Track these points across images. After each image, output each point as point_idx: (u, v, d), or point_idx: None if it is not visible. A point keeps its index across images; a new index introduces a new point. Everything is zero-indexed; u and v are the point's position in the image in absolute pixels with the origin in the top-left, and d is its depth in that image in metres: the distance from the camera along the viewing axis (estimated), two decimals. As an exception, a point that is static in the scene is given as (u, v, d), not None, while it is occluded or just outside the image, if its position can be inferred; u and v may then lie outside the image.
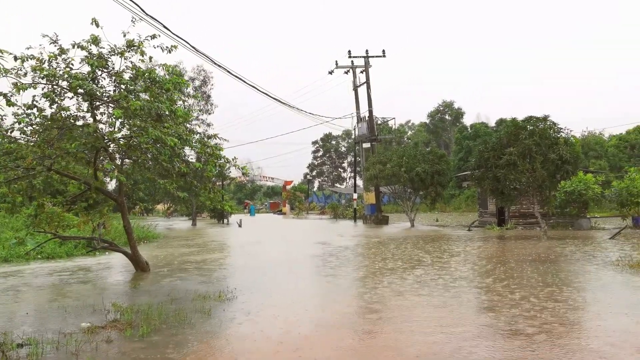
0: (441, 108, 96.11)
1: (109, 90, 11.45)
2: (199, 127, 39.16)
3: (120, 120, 10.89)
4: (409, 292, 9.35)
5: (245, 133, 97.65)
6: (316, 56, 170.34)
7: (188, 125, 14.19)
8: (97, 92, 10.85)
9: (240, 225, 36.69)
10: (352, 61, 40.26)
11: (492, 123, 67.12)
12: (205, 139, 13.47)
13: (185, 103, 39.05)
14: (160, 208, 73.18)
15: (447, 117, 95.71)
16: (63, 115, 11.18)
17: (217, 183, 50.76)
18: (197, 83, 40.26)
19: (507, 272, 11.56)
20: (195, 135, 13.32)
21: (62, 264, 14.76)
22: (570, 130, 21.45)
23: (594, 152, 55.50)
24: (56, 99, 10.63)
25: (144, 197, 13.47)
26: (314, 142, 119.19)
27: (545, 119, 21.22)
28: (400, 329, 6.72)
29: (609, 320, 6.94)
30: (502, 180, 20.94)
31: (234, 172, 78.31)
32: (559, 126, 21.22)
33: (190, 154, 14.23)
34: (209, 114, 40.70)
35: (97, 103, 11.40)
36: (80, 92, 10.65)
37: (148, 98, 11.62)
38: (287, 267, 13.71)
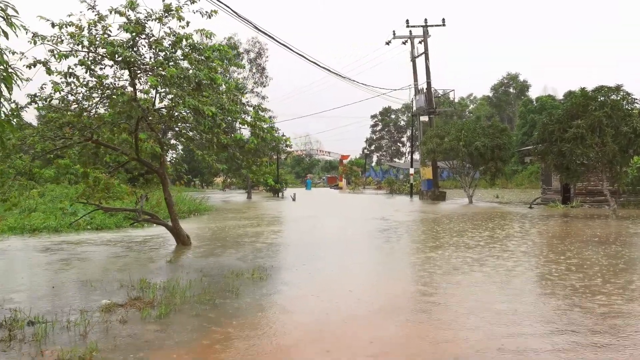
0: (505, 81, 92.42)
1: (148, 58, 11.06)
2: (251, 100, 39.04)
3: (157, 88, 10.47)
4: (462, 279, 8.58)
5: (302, 107, 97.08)
6: (373, 27, 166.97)
7: (240, 96, 13.56)
8: (135, 60, 10.43)
9: (294, 199, 36.42)
10: (410, 31, 38.78)
11: (560, 96, 63.67)
12: (248, 109, 12.84)
13: (239, 75, 38.93)
14: (219, 181, 74.26)
15: (511, 90, 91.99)
16: (103, 83, 10.90)
17: (273, 156, 50.90)
18: (252, 55, 39.93)
19: (574, 255, 10.54)
20: (239, 106, 12.71)
21: (108, 235, 14.75)
22: (647, 101, 19.67)
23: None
24: (92, 67, 10.29)
25: (187, 168, 13.23)
26: (373, 116, 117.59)
27: (618, 88, 19.55)
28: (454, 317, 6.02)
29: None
30: (568, 155, 19.48)
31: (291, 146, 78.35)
32: (633, 97, 19.51)
33: (244, 128, 13.73)
34: (264, 86, 40.48)
35: (136, 71, 11.03)
36: (117, 59, 10.25)
37: (188, 66, 11.22)
38: (331, 243, 13.12)
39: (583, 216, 19.89)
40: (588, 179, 24.57)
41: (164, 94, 11.16)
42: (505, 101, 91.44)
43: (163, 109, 11.56)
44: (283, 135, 48.15)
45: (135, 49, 11.11)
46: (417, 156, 46.63)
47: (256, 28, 22.63)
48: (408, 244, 13.10)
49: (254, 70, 40.08)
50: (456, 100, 63.85)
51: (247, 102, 35.80)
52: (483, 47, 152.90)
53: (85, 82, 10.91)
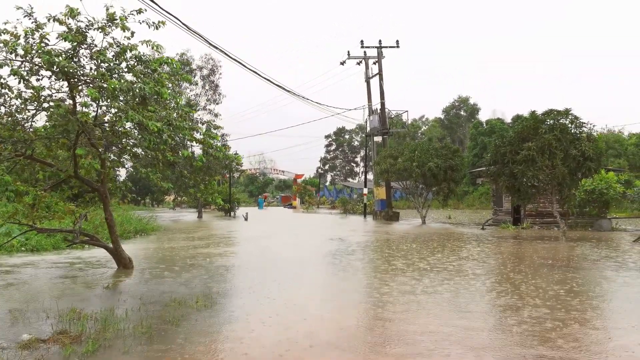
0: (457, 103, 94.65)
1: (91, 70, 10.39)
2: (204, 117, 38.31)
3: (98, 102, 9.81)
4: (415, 300, 8.21)
5: (256, 125, 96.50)
6: (327, 47, 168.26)
7: (190, 112, 12.90)
8: (74, 71, 9.74)
9: (246, 219, 35.71)
10: (364, 52, 38.98)
11: (508, 119, 65.39)
12: (200, 126, 12.23)
13: (191, 92, 38.16)
14: (169, 199, 72.64)
15: (462, 112, 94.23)
16: (39, 95, 10.16)
17: (226, 175, 49.98)
18: (205, 72, 39.20)
19: (527, 278, 10.35)
20: (188, 123, 12.04)
21: (45, 257, 13.80)
22: (593, 126, 20.08)
23: (613, 150, 53.68)
24: (27, 77, 9.56)
25: (130, 186, 12.40)
26: (327, 136, 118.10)
27: (567, 112, 19.89)
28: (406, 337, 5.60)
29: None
30: (519, 177, 19.62)
31: (244, 164, 76.97)
32: (581, 120, 19.87)
33: (195, 145, 13.08)
34: (217, 103, 39.77)
35: (76, 83, 10.33)
36: (54, 70, 9.56)
37: (134, 79, 10.62)
38: (282, 266, 12.59)
39: (534, 238, 20.03)
40: (538, 201, 24.85)
41: (105, 107, 10.51)
42: (456, 123, 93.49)
43: (105, 124, 10.90)
44: (236, 154, 47.46)
45: (76, 60, 10.46)
46: (370, 176, 46.72)
47: (209, 43, 22.07)
48: (361, 267, 12.70)
49: (207, 87, 39.32)
50: (409, 122, 64.58)
51: (200, 119, 34.88)
52: (435, 70, 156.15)
53: (19, 94, 10.18)
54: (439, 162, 28.79)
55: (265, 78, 30.43)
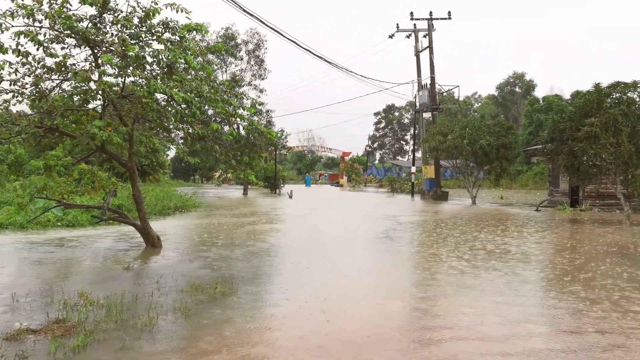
0: (511, 80, 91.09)
1: (112, 36, 9.76)
2: (249, 92, 37.76)
3: (122, 71, 9.16)
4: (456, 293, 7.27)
5: (304, 102, 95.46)
6: (376, 19, 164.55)
7: (223, 86, 12.13)
8: (94, 37, 9.12)
9: (290, 197, 35.15)
10: (414, 24, 37.39)
11: (566, 96, 62.21)
12: (231, 99, 11.40)
13: (236, 67, 37.60)
14: (216, 176, 73.00)
15: (517, 89, 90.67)
16: (65, 64, 9.61)
17: (272, 152, 49.55)
18: (250, 47, 38.48)
19: (591, 269, 9.22)
20: (220, 95, 11.22)
21: (78, 233, 13.51)
22: (665, 100, 18.26)
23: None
24: (46, 44, 8.99)
25: (150, 162, 11.92)
26: (376, 114, 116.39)
27: (635, 85, 18.14)
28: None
29: None
30: (580, 156, 18.12)
31: (292, 142, 76.55)
32: (651, 93, 18.13)
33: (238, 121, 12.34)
34: (262, 79, 39.01)
35: (99, 50, 9.72)
36: (75, 36, 8.96)
37: (161, 47, 9.95)
38: (319, 248, 11.81)
39: (595, 221, 18.53)
40: (599, 181, 23.14)
41: (132, 77, 9.88)
42: (510, 100, 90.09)
43: (132, 95, 10.28)
44: (281, 130, 46.92)
45: (100, 26, 9.87)
46: (419, 154, 45.30)
47: (253, 16, 21.25)
48: (407, 253, 11.79)
49: (252, 63, 38.62)
50: (461, 99, 62.30)
51: (245, 94, 34.32)
52: (489, 44, 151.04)
53: (42, 63, 9.65)
54: (491, 139, 27.29)
55: (313, 53, 29.51)
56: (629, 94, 18.15)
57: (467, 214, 21.44)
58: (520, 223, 17.61)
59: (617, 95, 18.23)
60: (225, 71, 38.36)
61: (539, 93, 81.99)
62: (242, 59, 38.36)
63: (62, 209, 14.04)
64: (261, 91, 38.91)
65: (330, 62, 32.47)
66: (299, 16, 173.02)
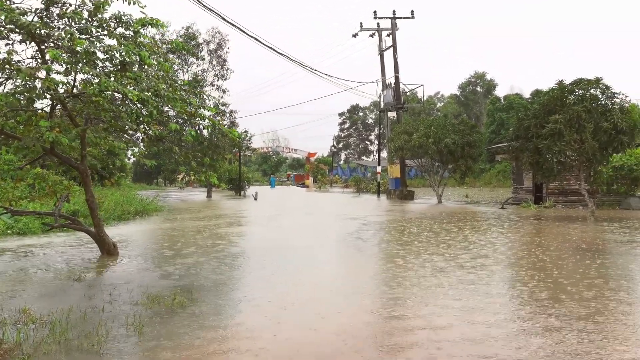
0: (473, 79, 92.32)
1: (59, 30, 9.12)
2: (211, 93, 36.99)
3: (68, 66, 8.53)
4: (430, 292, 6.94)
5: (266, 103, 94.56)
6: (339, 18, 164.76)
7: (184, 84, 11.56)
8: (38, 31, 8.47)
9: (255, 198, 34.56)
10: (378, 23, 37.31)
11: (526, 95, 63.22)
12: (190, 97, 10.83)
13: (198, 67, 36.83)
14: (180, 178, 71.70)
15: (478, 89, 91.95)
16: (10, 60, 8.92)
17: (237, 153, 48.76)
18: (212, 46, 37.71)
19: (558, 265, 9.03)
20: (179, 93, 10.63)
21: (28, 241, 12.72)
22: (626, 96, 18.46)
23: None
24: (-16, 38, 8.32)
25: (104, 165, 11.26)
26: (341, 114, 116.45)
27: (597, 81, 18.29)
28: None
29: None
30: (544, 153, 18.17)
31: (256, 143, 75.64)
32: (613, 91, 18.30)
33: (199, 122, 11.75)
34: (225, 79, 38.27)
35: (45, 46, 9.07)
36: (11, 28, 8.31)
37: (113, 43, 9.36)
38: (282, 251, 11.37)
39: (560, 218, 18.58)
40: (563, 178, 23.33)
41: (81, 74, 9.25)
42: (472, 100, 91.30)
43: (83, 94, 9.65)
44: (245, 131, 46.24)
45: (48, 20, 9.26)
46: (384, 154, 45.26)
47: (213, 12, 20.65)
48: (373, 255, 11.45)
49: (214, 63, 37.86)
50: (424, 98, 62.60)
51: (207, 95, 33.30)
52: (451, 44, 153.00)
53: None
54: (456, 138, 27.29)
55: (277, 51, 29.02)
56: (591, 91, 18.28)
57: (434, 213, 21.29)
58: (487, 221, 17.51)
59: (580, 92, 18.33)
60: (187, 71, 37.52)
61: (500, 92, 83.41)
62: (203, 58, 37.58)
63: (10, 215, 13.22)
64: (224, 91, 38.23)
65: (293, 60, 32.20)
66: (255, 12, 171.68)
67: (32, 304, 6.31)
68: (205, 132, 35.56)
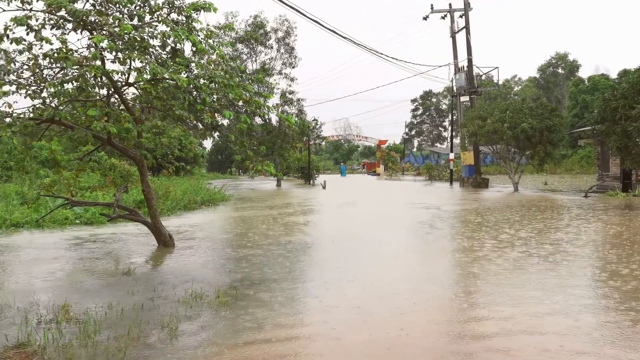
0: (553, 61, 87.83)
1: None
2: (280, 81, 36.86)
3: (115, 52, 8.30)
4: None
5: (335, 90, 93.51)
6: (409, 8, 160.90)
7: (237, 67, 11.20)
8: (86, 17, 8.27)
9: (324, 187, 34.20)
10: (449, 4, 35.77)
11: (613, 75, 59.13)
12: (247, 83, 10.41)
13: (266, 56, 36.73)
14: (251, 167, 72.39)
15: (560, 70, 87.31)
16: (67, 49, 8.82)
17: (310, 142, 48.64)
18: (280, 34, 37.48)
19: (653, 265, 7.94)
20: (235, 79, 10.20)
21: (95, 231, 12.83)
22: None
23: None
24: (35, 27, 8.20)
25: (161, 155, 11.08)
26: (413, 100, 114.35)
27: (696, 56, 16.44)
28: None
29: None
30: (634, 136, 16.59)
31: (327, 131, 75.45)
32: None
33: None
34: (293, 67, 37.94)
35: (97, 33, 8.88)
36: (62, 15, 8.16)
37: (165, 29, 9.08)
38: (347, 244, 10.79)
39: (652, 208, 16.94)
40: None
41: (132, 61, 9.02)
42: (553, 82, 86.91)
43: (140, 82, 9.43)
44: (315, 119, 46.03)
45: (100, 7, 9.08)
46: (457, 141, 43.67)
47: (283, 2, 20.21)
48: (450, 248, 10.68)
49: (282, 51, 37.62)
50: (500, 82, 59.86)
51: (276, 83, 32.29)
52: (528, 23, 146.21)
53: (40, 50, 8.88)
54: (534, 122, 25.60)
55: (347, 38, 28.36)
56: (689, 67, 16.48)
57: (510, 202, 20.04)
58: (568, 211, 16.17)
59: (676, 68, 16.57)
60: (255, 60, 37.51)
61: (584, 74, 78.72)
62: (271, 47, 37.42)
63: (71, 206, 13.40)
64: (292, 80, 37.92)
65: (366, 47, 31.27)
66: (331, 2, 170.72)
67: (75, 299, 6.09)
68: (273, 121, 35.56)
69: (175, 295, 6.29)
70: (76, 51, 8.96)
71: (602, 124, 18.13)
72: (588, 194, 23.24)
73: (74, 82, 8.15)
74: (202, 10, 9.47)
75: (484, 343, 4.63)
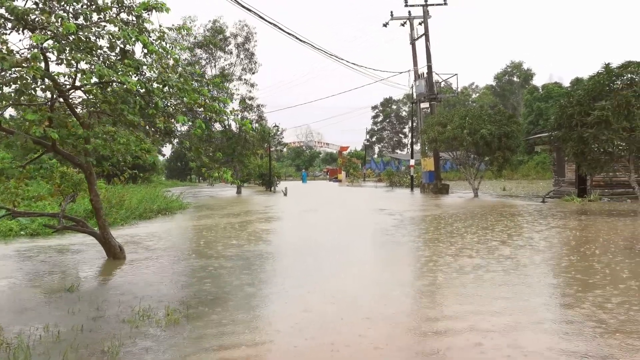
0: (509, 69, 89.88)
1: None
2: (239, 88, 36.39)
3: (59, 54, 7.78)
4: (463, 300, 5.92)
5: (296, 97, 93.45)
6: (368, 8, 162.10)
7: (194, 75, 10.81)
8: (27, 16, 7.73)
9: (285, 194, 33.79)
10: (409, 11, 35.97)
11: (566, 83, 60.75)
12: (203, 88, 9.98)
13: (225, 61, 36.22)
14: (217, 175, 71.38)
15: (515, 78, 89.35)
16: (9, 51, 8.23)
17: (271, 148, 48.15)
18: (239, 40, 36.97)
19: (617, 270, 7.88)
20: (190, 84, 9.74)
21: (41, 243, 12.17)
22: (681, 79, 16.87)
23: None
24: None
25: (113, 162, 10.56)
26: (374, 107, 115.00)
27: (648, 64, 16.78)
28: None
29: None
30: (590, 142, 16.79)
31: (289, 137, 75.05)
32: (666, 73, 16.75)
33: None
34: (253, 73, 37.46)
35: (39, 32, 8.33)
36: (1, 12, 7.61)
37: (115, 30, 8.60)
38: (305, 254, 10.45)
39: (608, 212, 17.18)
40: (610, 169, 21.72)
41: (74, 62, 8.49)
42: (509, 90, 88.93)
43: (87, 85, 8.90)
44: (275, 126, 45.62)
45: (45, 6, 8.53)
46: (418, 147, 43.93)
47: (242, 6, 19.78)
48: (403, 261, 10.45)
49: (242, 56, 37.11)
50: (459, 89, 60.73)
51: (235, 89, 31.82)
52: (486, 32, 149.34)
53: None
54: (493, 128, 25.88)
55: (304, 41, 28.10)
56: (641, 75, 16.80)
57: (471, 208, 20.08)
58: (528, 216, 16.24)
59: (629, 76, 16.86)
60: (215, 66, 36.90)
61: (538, 82, 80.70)
62: (231, 52, 36.88)
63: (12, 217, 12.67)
64: (252, 85, 37.44)
65: (317, 48, 31.10)
66: (290, 7, 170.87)
67: (7, 320, 5.56)
68: (233, 127, 34.98)
69: (120, 314, 5.83)
70: (18, 52, 8.42)
71: (558, 130, 18.30)
72: (545, 200, 23.54)
73: (11, 84, 7.59)
74: (153, 11, 9.04)
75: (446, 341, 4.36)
